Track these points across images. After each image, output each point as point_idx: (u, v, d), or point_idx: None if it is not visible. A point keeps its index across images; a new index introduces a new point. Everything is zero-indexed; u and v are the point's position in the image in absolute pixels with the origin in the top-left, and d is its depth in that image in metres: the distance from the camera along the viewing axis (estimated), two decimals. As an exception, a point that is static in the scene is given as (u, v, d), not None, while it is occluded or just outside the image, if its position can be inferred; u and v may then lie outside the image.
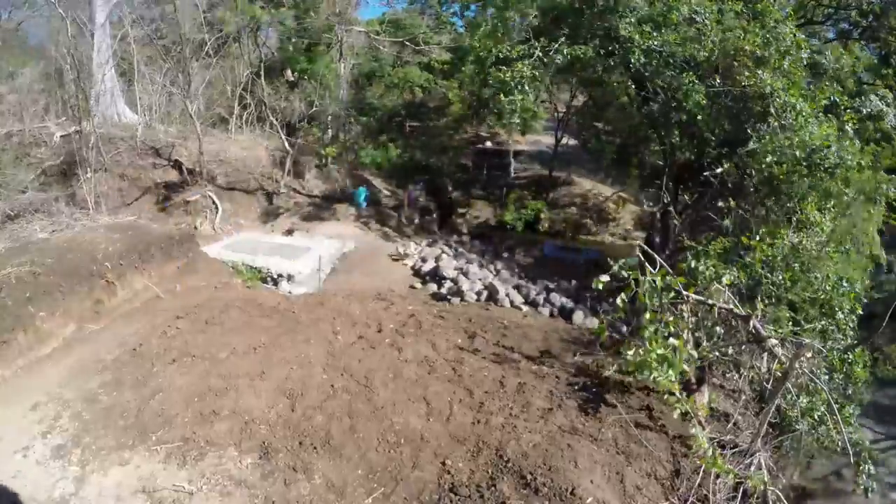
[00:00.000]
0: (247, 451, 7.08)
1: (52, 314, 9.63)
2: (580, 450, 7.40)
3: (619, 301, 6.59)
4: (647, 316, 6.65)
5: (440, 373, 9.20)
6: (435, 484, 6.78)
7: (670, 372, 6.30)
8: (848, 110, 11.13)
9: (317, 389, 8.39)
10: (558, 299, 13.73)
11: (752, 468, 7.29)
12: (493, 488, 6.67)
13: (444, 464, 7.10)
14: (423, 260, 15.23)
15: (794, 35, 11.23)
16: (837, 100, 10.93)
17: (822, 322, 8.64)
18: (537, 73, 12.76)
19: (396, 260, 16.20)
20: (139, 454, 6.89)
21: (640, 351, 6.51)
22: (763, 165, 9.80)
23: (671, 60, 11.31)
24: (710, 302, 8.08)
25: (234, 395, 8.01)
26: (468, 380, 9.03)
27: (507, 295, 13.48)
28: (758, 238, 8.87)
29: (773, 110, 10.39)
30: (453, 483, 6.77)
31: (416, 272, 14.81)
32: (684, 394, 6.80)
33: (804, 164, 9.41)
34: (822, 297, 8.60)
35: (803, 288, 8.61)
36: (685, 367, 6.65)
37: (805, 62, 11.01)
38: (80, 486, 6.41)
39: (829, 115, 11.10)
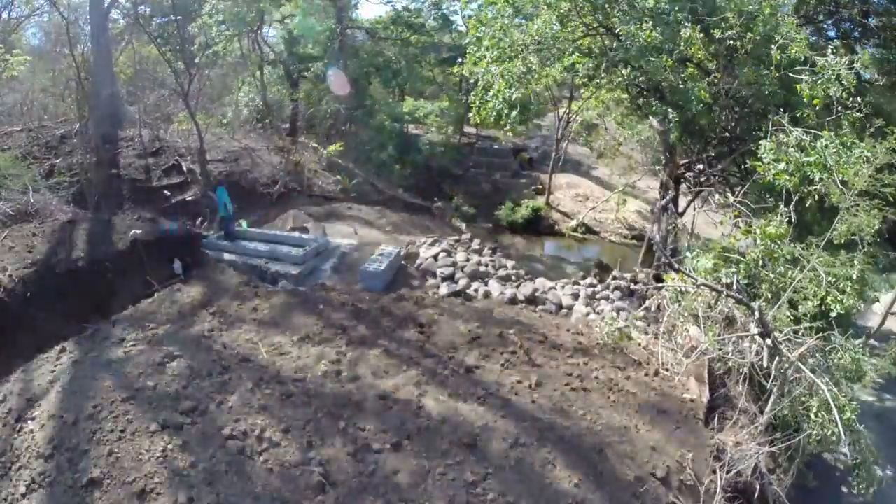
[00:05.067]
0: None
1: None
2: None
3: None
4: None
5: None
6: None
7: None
8: (848, 109, 11.11)
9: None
10: (558, 297, 13.74)
11: (752, 467, 7.31)
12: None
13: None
14: (424, 258, 15.23)
15: (795, 32, 11.21)
16: (837, 98, 10.90)
17: (822, 321, 8.66)
18: (538, 70, 12.76)
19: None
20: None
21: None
22: (763, 164, 9.79)
23: (672, 57, 11.29)
24: (719, 288, 8.11)
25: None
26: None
27: (504, 292, 13.48)
28: (758, 233, 8.90)
29: (772, 108, 10.39)
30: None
31: (418, 270, 14.82)
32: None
33: (803, 163, 9.40)
34: (822, 295, 8.61)
35: (804, 286, 8.62)
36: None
37: (805, 60, 10.99)
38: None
39: (830, 114, 11.07)
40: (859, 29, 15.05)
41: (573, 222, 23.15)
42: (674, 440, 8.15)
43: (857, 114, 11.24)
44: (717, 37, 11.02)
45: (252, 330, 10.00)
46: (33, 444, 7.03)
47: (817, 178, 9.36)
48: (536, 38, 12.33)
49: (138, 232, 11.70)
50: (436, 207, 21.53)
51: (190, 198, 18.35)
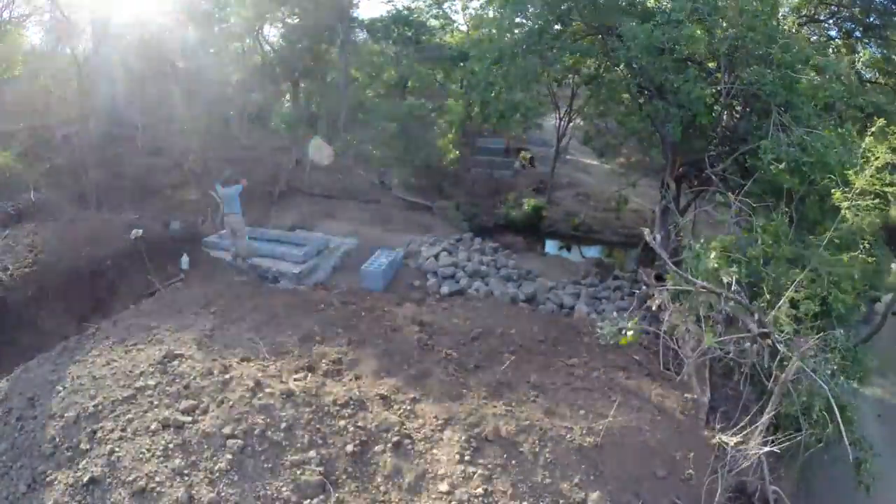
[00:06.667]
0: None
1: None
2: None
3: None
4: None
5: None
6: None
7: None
8: (850, 108, 11.09)
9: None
10: (559, 296, 13.75)
11: (753, 467, 7.29)
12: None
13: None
14: (425, 258, 15.24)
15: (797, 31, 11.20)
16: (838, 98, 10.88)
17: (823, 320, 8.63)
18: (539, 70, 12.78)
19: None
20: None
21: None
22: (764, 164, 9.77)
23: (673, 57, 11.27)
24: (717, 290, 8.10)
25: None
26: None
27: (505, 292, 13.48)
28: (759, 232, 8.89)
29: (773, 108, 10.36)
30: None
31: (418, 269, 14.82)
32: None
33: (804, 163, 9.39)
34: (823, 294, 8.59)
35: (805, 286, 8.60)
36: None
37: (806, 59, 10.98)
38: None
39: (831, 113, 11.06)
40: (860, 28, 15.02)
41: (575, 221, 23.14)
42: (675, 440, 8.14)
43: (859, 113, 11.22)
44: (719, 36, 11.01)
45: (253, 329, 10.00)
46: (34, 442, 7.04)
47: (818, 178, 9.35)
48: (536, 34, 12.32)
49: (139, 231, 11.76)
50: (437, 206, 21.50)
51: (191, 197, 18.34)
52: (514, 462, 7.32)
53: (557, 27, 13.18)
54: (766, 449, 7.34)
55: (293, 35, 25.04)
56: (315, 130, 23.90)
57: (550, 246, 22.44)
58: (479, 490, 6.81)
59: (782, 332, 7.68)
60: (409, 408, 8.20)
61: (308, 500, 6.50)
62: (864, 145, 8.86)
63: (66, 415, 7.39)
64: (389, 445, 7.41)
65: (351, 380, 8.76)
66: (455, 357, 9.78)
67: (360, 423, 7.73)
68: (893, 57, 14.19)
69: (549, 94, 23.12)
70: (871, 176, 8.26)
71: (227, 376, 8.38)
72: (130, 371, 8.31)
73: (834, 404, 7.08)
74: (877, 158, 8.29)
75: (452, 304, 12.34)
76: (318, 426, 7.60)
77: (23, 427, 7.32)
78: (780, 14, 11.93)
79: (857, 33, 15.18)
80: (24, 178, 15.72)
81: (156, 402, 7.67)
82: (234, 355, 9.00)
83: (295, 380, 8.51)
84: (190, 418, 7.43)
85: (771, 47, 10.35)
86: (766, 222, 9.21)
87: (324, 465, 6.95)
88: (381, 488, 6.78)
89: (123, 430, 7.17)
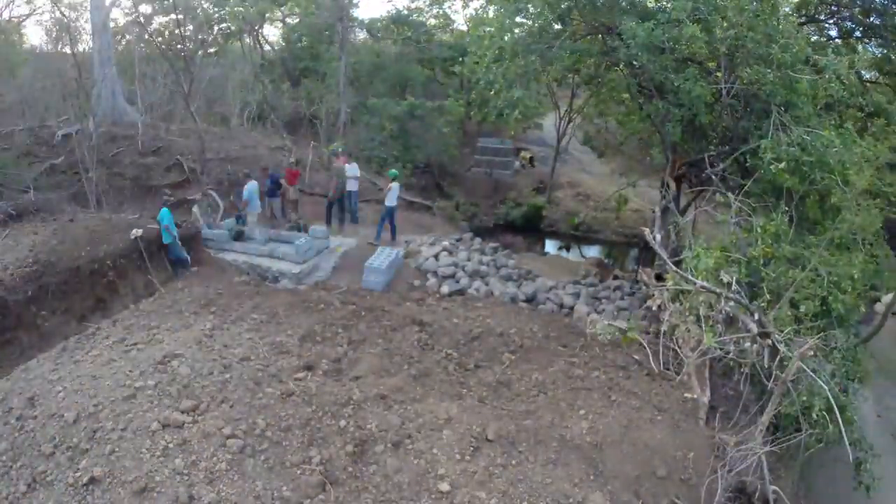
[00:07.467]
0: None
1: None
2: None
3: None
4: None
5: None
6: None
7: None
8: (850, 108, 11.08)
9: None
10: (559, 296, 13.74)
11: (753, 467, 7.30)
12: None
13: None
14: (425, 258, 15.24)
15: (797, 31, 11.19)
16: (838, 98, 10.89)
17: (823, 320, 8.64)
18: (539, 69, 12.76)
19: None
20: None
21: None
22: (764, 163, 9.78)
23: (673, 56, 11.27)
24: (717, 290, 8.10)
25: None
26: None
27: (506, 292, 13.48)
28: (759, 232, 8.90)
29: (773, 108, 10.36)
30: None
31: (418, 269, 14.82)
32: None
33: (804, 162, 9.39)
34: (823, 294, 8.59)
35: (805, 286, 8.61)
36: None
37: (807, 59, 10.98)
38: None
39: (831, 113, 11.06)
40: (860, 28, 15.02)
41: (574, 221, 23.17)
42: (675, 440, 8.14)
43: (859, 113, 11.21)
44: (719, 36, 11.01)
45: (253, 329, 10.00)
46: (34, 442, 7.03)
47: (818, 177, 9.35)
48: (536, 33, 12.31)
49: (139, 231, 11.75)
50: (437, 206, 21.52)
51: (191, 197, 18.34)
52: (514, 462, 7.32)
53: (557, 26, 13.17)
54: (766, 449, 7.35)
55: (293, 35, 25.08)
56: (315, 130, 23.93)
57: (551, 245, 22.48)
58: (479, 490, 6.81)
59: (782, 331, 7.68)
60: (409, 408, 8.20)
61: (308, 500, 6.49)
62: (863, 145, 8.87)
63: (66, 415, 7.38)
64: (389, 445, 7.41)
65: (351, 380, 8.75)
66: (455, 357, 9.78)
67: (360, 423, 7.73)
68: (893, 57, 14.19)
69: (549, 94, 23.11)
70: (870, 176, 8.27)
71: (227, 376, 8.38)
72: (130, 371, 8.30)
73: (834, 404, 7.08)
74: (877, 158, 8.31)
75: (452, 304, 12.33)
76: (318, 426, 7.60)
77: (23, 427, 7.31)
78: (781, 14, 11.91)
79: (858, 33, 15.19)
80: (24, 177, 15.72)
81: (156, 402, 7.66)
82: (234, 355, 8.99)
83: (295, 380, 8.51)
84: (190, 418, 7.42)
85: (771, 47, 10.35)
86: (766, 222, 9.20)
87: (324, 465, 6.94)
88: (381, 488, 6.78)
89: (123, 429, 7.16)
